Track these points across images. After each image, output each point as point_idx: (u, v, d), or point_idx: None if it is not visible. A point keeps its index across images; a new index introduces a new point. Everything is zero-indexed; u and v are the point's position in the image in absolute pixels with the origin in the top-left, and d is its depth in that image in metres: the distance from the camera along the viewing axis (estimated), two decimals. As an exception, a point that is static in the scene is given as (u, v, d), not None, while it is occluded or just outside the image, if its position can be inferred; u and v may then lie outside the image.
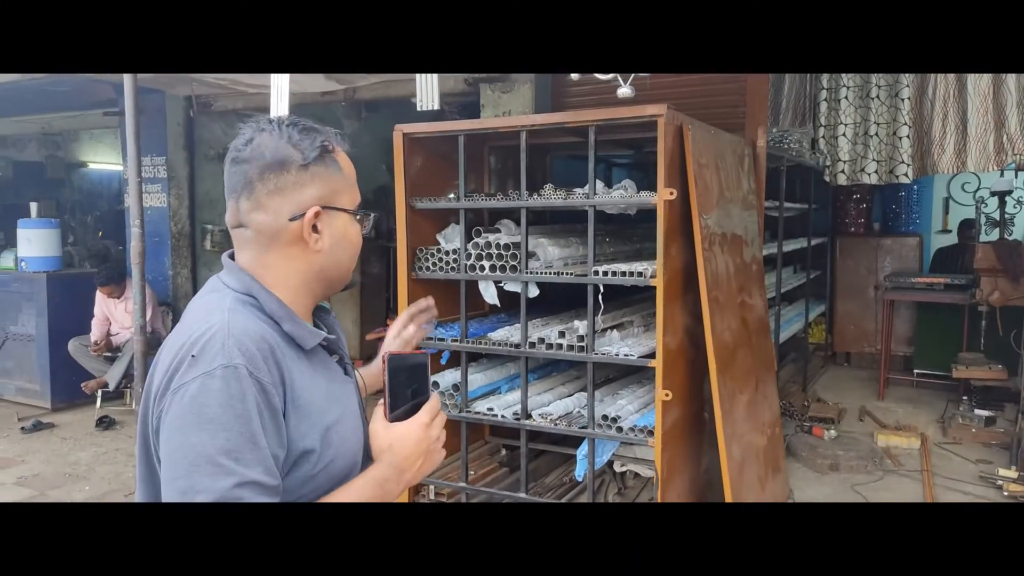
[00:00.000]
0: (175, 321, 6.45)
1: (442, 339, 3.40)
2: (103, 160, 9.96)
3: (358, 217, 1.25)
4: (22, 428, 5.46)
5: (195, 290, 6.65)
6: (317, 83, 5.32)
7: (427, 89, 2.53)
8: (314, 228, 1.18)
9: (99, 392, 5.76)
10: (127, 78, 3.33)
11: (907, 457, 4.64)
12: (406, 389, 1.22)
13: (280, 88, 3.69)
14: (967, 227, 6.87)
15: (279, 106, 3.66)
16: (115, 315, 5.84)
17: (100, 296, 5.81)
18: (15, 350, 6.18)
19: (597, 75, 2.21)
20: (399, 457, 1.17)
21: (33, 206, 6.23)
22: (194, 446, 1.01)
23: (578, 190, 3.23)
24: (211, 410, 1.01)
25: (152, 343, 5.86)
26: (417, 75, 2.55)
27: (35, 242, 5.97)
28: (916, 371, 6.34)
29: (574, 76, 2.30)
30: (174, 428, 1.03)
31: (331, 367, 1.23)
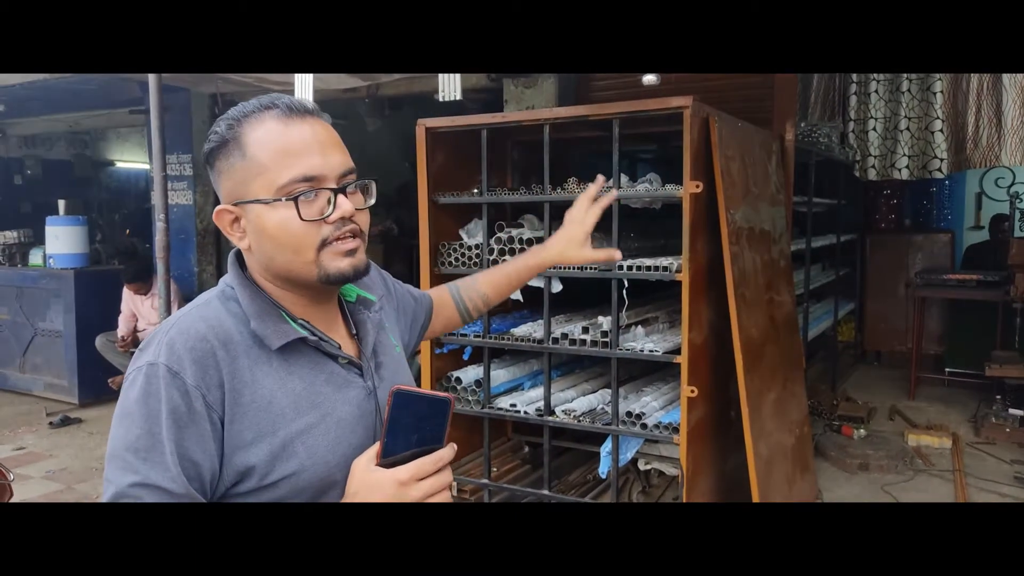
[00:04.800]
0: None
1: (464, 335, 3.37)
2: (130, 159, 10.08)
3: (290, 197, 1.04)
4: (50, 423, 5.53)
5: (220, 287, 6.72)
6: (341, 80, 5.33)
7: (450, 80, 2.50)
8: (239, 225, 1.09)
9: (125, 388, 5.82)
10: (152, 76, 3.34)
11: (938, 457, 4.54)
12: (412, 432, 1.02)
13: (304, 86, 3.68)
14: (1000, 222, 6.73)
15: (303, 103, 3.65)
16: (142, 311, 5.89)
17: (127, 293, 5.86)
18: (43, 346, 6.26)
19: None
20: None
21: (61, 204, 6.30)
22: (113, 438, 1.00)
23: (602, 184, 3.19)
24: (129, 405, 1.00)
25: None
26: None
27: (63, 239, 6.04)
28: (948, 370, 6.21)
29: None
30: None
31: (324, 369, 1.11)
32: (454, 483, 3.52)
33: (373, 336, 1.20)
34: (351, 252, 1.08)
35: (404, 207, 6.20)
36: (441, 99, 2.54)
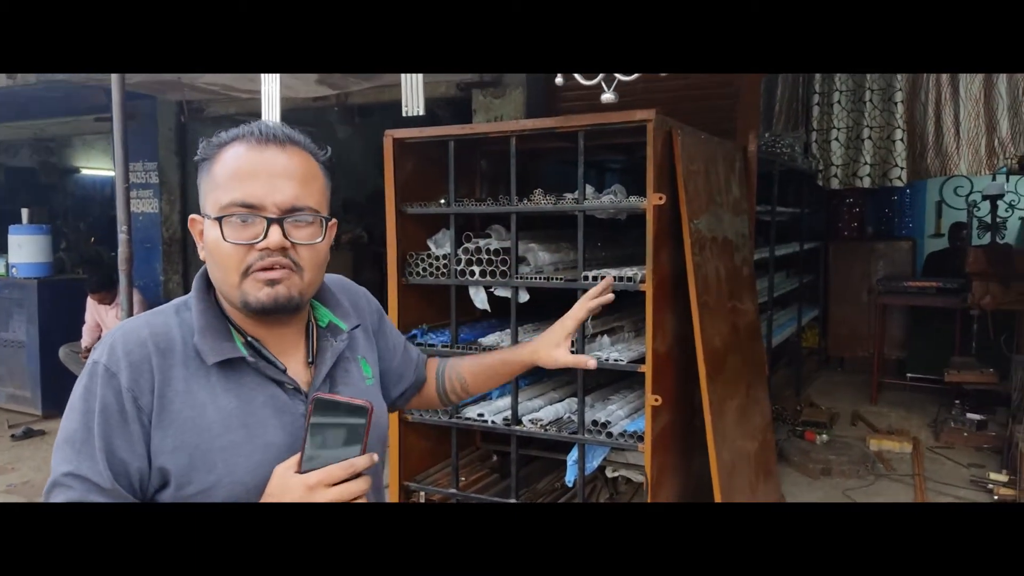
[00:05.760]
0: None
1: (432, 345, 3.39)
2: (96, 166, 9.95)
3: (236, 219, 1.07)
4: (12, 435, 5.44)
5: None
6: (309, 88, 5.33)
7: (412, 95, 2.52)
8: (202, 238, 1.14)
9: (90, 398, 5.74)
10: (114, 79, 3.30)
11: (899, 461, 4.64)
12: (335, 440, 1.04)
13: (271, 94, 3.68)
14: (959, 230, 6.90)
15: (271, 112, 3.65)
16: (106, 321, 5.81)
17: (91, 303, 5.79)
18: (5, 357, 6.16)
19: (580, 80, 2.20)
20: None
21: (24, 212, 6.21)
22: (60, 427, 1.08)
23: (568, 195, 3.23)
24: (75, 399, 1.07)
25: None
26: (402, 79, 2.53)
27: (26, 248, 5.96)
28: (909, 375, 6.35)
29: (559, 80, 2.29)
30: None
31: (265, 391, 1.11)
32: (422, 492, 3.53)
33: (329, 364, 1.19)
34: (272, 282, 1.08)
35: (375, 214, 6.20)
36: (404, 114, 2.56)
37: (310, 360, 1.19)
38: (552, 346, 1.49)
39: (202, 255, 1.14)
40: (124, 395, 1.04)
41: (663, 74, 2.08)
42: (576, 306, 1.54)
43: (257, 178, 1.08)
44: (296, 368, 1.17)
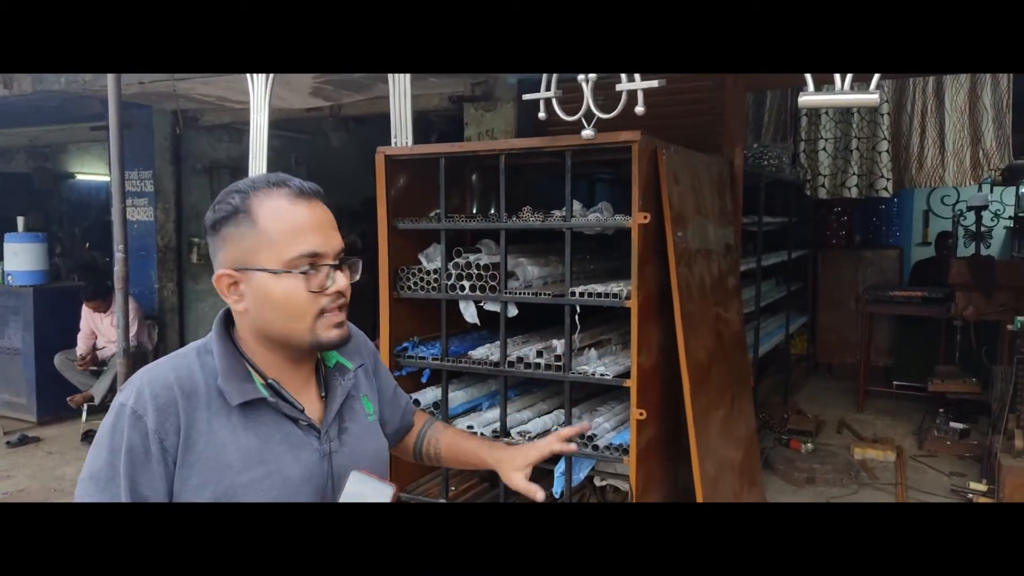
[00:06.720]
0: (161, 334, 6.51)
1: (423, 357, 3.45)
2: (91, 171, 9.97)
3: (300, 271, 1.16)
4: (8, 442, 5.48)
5: (181, 303, 6.70)
6: (303, 100, 5.39)
7: (401, 126, 2.59)
8: (238, 289, 1.18)
9: (85, 406, 5.78)
10: (111, 83, 3.28)
11: (883, 470, 4.72)
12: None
13: (259, 102, 3.68)
14: (945, 239, 6.99)
15: (259, 117, 3.66)
16: (101, 329, 5.87)
17: (86, 310, 5.84)
18: (1, 364, 6.20)
19: (563, 116, 2.27)
20: None
21: (20, 220, 6.25)
22: (86, 463, 1.14)
23: (556, 212, 3.30)
24: (101, 435, 1.14)
25: (137, 357, 5.91)
26: (391, 110, 2.60)
27: (22, 256, 6.00)
28: (895, 382, 6.43)
29: (542, 116, 2.36)
30: None
31: (282, 428, 1.20)
32: (413, 502, 3.60)
33: (339, 401, 1.29)
34: (340, 324, 1.22)
35: (369, 221, 6.24)
36: (393, 144, 2.63)
37: (323, 395, 1.29)
38: (513, 468, 1.52)
39: (241, 307, 1.19)
40: (150, 437, 1.11)
41: (651, 90, 2.14)
42: (546, 441, 1.56)
43: (318, 230, 1.18)
44: (309, 406, 1.26)
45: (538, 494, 1.50)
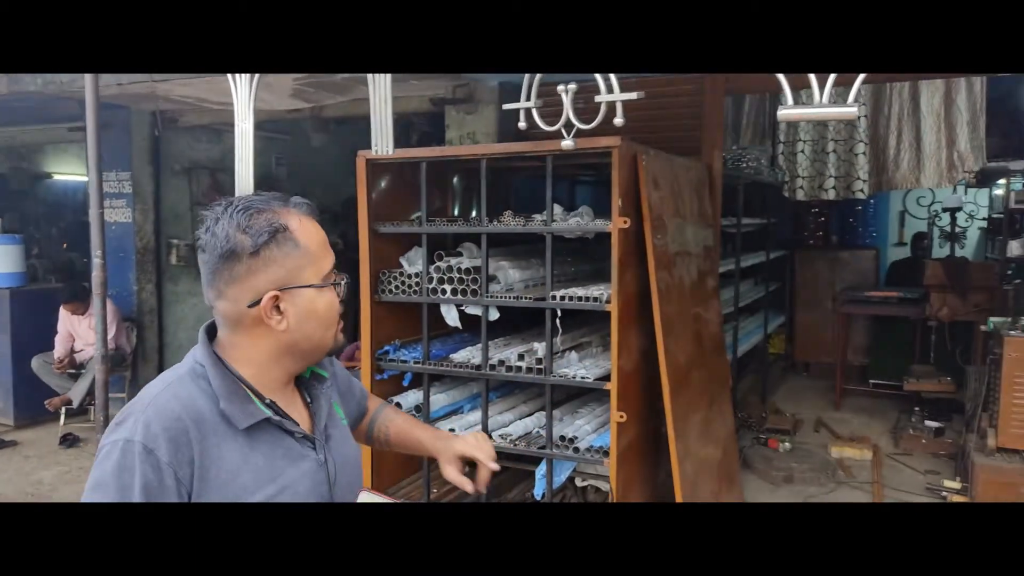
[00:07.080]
0: (140, 336, 6.46)
1: (405, 361, 3.46)
2: (69, 171, 9.86)
3: (332, 283, 1.24)
4: (-16, 446, 5.43)
5: (160, 305, 6.65)
6: (284, 102, 5.37)
7: (382, 135, 2.60)
8: (278, 309, 1.18)
9: (63, 409, 5.73)
10: (88, 84, 3.24)
11: (859, 468, 4.79)
12: None
13: (243, 104, 3.67)
14: (921, 239, 7.10)
15: (243, 123, 3.65)
16: (79, 332, 5.82)
17: (64, 313, 5.79)
18: (-23, 367, 6.13)
19: (543, 126, 2.29)
20: None
21: (-4, 222, 6.20)
22: (85, 502, 1.11)
23: (537, 216, 3.32)
24: (104, 477, 1.10)
25: (116, 360, 5.87)
26: (371, 119, 2.61)
27: (-2, 258, 5.94)
28: (872, 381, 6.52)
29: (522, 125, 2.38)
30: (87, 480, 1.14)
31: (282, 444, 1.22)
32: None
33: (326, 409, 1.32)
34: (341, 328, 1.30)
35: (349, 221, 6.24)
36: (375, 152, 2.63)
37: (308, 402, 1.32)
38: (448, 460, 1.58)
39: (282, 326, 1.19)
40: (164, 471, 1.09)
41: (632, 96, 2.16)
42: (483, 454, 1.59)
43: (329, 245, 1.27)
44: (298, 417, 1.28)
45: (467, 486, 1.57)
